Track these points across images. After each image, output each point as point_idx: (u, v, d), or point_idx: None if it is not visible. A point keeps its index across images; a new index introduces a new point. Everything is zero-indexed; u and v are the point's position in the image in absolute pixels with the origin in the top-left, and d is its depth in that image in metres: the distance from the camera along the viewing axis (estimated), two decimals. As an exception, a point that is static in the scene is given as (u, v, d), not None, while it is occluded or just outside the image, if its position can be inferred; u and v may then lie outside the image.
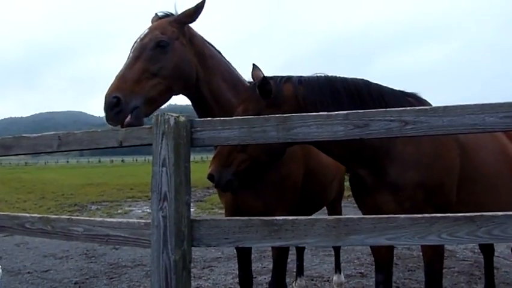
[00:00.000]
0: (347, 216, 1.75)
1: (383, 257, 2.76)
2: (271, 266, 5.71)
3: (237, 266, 3.51)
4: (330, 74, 2.51)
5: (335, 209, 4.59)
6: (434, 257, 2.57)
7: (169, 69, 2.54)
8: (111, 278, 5.55)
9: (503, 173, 2.92)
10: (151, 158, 1.75)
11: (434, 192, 2.44)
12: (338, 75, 2.52)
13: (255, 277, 5.15)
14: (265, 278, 5.25)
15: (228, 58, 3.01)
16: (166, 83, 2.54)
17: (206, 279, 5.29)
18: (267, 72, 2.65)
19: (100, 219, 2.02)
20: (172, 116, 1.67)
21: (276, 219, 1.71)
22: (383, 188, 2.45)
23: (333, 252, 5.09)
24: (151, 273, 1.69)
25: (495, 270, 4.19)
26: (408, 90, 2.65)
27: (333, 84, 2.44)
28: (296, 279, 4.68)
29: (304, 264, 5.33)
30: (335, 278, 4.66)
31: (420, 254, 3.32)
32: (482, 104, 1.64)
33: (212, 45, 2.93)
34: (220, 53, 2.98)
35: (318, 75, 2.51)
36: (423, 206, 2.36)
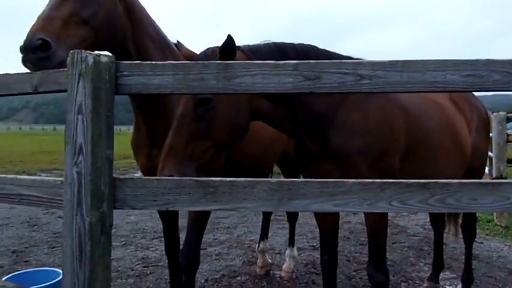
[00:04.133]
0: (290, 179, 1.57)
1: (328, 226, 2.67)
2: (222, 238, 5.62)
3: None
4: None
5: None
6: (378, 228, 2.47)
7: (101, 18, 2.29)
8: (52, 247, 5.25)
9: (447, 146, 2.85)
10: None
11: (379, 159, 2.34)
12: (285, 41, 2.36)
13: (205, 248, 5.00)
14: (215, 250, 5.11)
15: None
16: (95, 35, 2.28)
17: (154, 250, 5.08)
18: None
19: (12, 176, 1.75)
20: (90, 54, 1.40)
21: (212, 180, 1.51)
22: (328, 156, 2.32)
23: (286, 225, 4.99)
24: (63, 236, 1.45)
25: (443, 246, 4.22)
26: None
27: (283, 50, 2.29)
28: (260, 242, 4.56)
29: (256, 236, 5.22)
30: (288, 251, 4.56)
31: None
32: (445, 60, 1.48)
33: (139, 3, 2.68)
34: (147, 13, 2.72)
35: (266, 42, 2.34)
36: (369, 174, 2.23)
